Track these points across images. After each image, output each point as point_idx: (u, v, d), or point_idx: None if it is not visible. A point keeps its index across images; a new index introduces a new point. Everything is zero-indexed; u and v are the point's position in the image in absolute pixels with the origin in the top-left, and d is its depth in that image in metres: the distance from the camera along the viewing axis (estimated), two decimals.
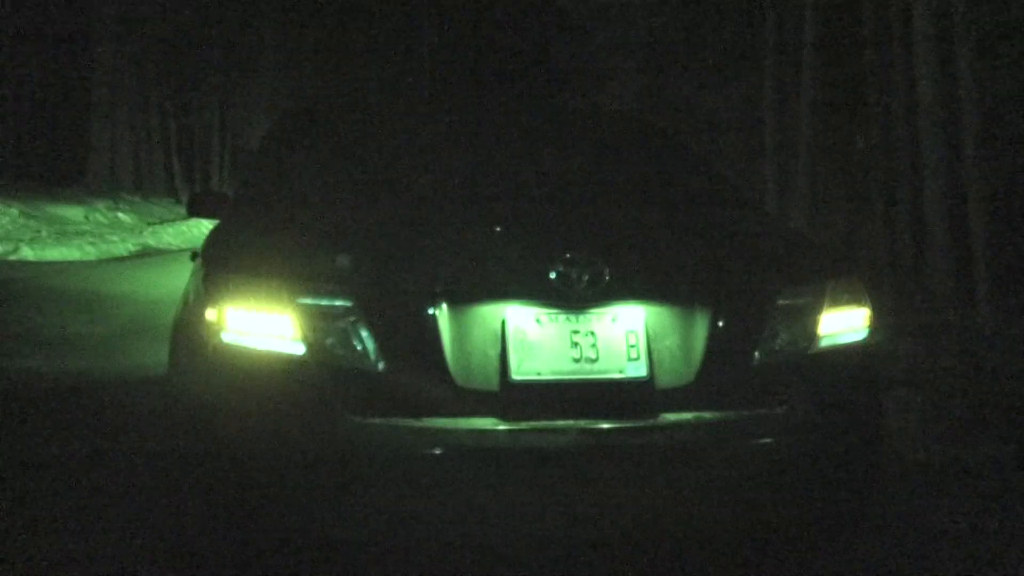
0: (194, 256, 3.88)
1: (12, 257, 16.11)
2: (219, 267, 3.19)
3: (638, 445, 3.01)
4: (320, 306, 2.99)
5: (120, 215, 22.91)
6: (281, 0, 31.30)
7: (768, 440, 3.08)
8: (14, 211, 19.60)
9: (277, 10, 31.24)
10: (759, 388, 3.10)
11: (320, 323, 2.97)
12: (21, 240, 17.26)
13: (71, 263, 16.00)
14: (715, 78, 15.06)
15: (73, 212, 21.62)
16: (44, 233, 18.47)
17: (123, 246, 18.51)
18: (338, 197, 3.78)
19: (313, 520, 2.99)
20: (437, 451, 2.94)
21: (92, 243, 17.95)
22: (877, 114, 11.47)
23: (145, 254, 18.24)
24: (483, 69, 37.28)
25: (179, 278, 4.55)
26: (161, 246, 19.43)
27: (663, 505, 3.04)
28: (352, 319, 2.96)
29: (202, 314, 3.12)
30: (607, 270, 3.02)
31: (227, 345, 3.02)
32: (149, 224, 22.36)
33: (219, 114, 32.57)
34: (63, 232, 18.85)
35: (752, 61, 13.81)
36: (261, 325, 3.01)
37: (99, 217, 21.99)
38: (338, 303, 2.98)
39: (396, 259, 3.13)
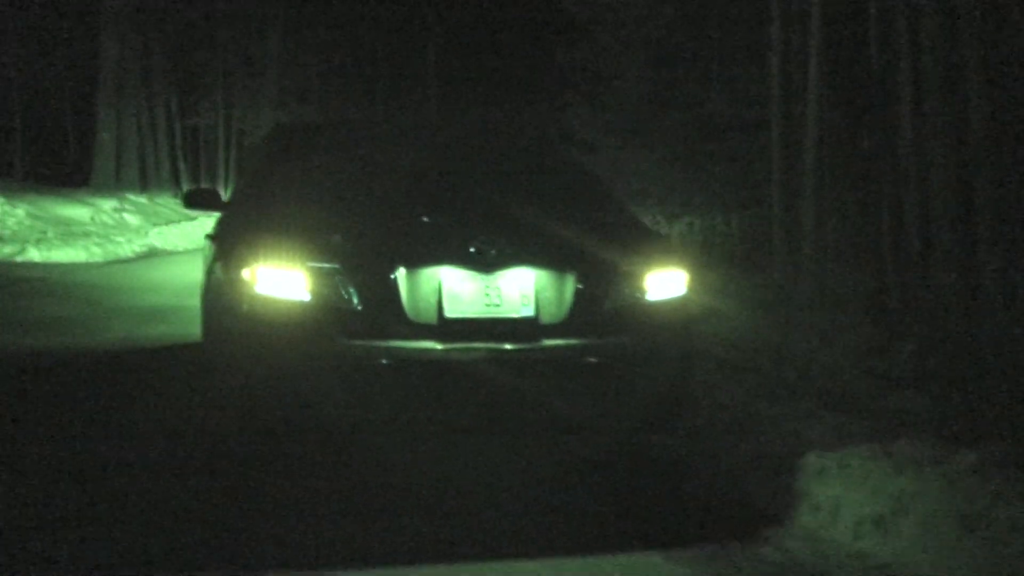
0: (210, 236, 5.68)
1: (19, 258, 16.12)
2: (252, 243, 4.54)
3: (527, 360, 4.49)
4: (321, 268, 4.40)
5: (126, 216, 22.94)
6: (287, 1, 31.32)
7: (613, 358, 4.57)
8: (20, 212, 19.61)
9: (283, 11, 31.25)
10: (608, 324, 4.57)
11: (320, 279, 4.39)
12: (27, 241, 17.28)
13: (77, 264, 16.02)
14: (722, 78, 15.05)
15: (79, 213, 21.65)
16: (50, 234, 18.49)
17: (129, 247, 18.53)
18: (323, 195, 5.14)
19: (315, 405, 4.38)
20: (397, 361, 4.39)
21: (98, 244, 17.96)
22: (884, 113, 11.46)
23: (151, 255, 18.27)
24: (488, 69, 37.27)
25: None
26: (167, 247, 19.45)
27: (542, 399, 4.49)
28: (340, 277, 4.40)
29: (239, 274, 4.48)
30: (508, 247, 4.51)
31: (259, 294, 4.41)
32: (155, 225, 22.38)
33: (224, 115, 32.60)
34: (69, 233, 18.88)
35: (759, 61, 13.79)
36: (282, 281, 4.41)
37: (105, 218, 22.02)
38: (332, 266, 4.40)
39: (369, 239, 4.60)
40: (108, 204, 23.41)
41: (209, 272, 5.16)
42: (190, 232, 20.97)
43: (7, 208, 19.49)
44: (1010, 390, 6.19)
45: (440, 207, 4.94)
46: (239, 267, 4.49)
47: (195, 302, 5.19)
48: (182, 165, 32.37)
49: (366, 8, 33.50)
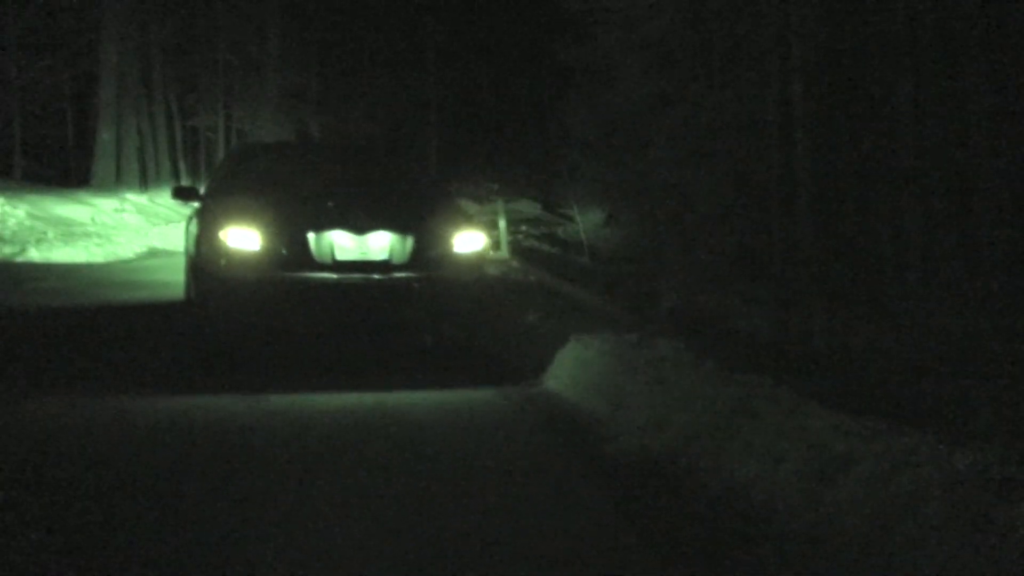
0: (191, 217, 8.93)
1: (19, 259, 16.12)
2: (225, 216, 7.47)
3: (384, 285, 7.44)
4: (266, 230, 7.31)
5: (126, 216, 22.93)
6: (287, 1, 31.30)
7: (434, 283, 7.53)
8: (21, 212, 19.60)
9: (283, 11, 31.24)
10: (431, 264, 7.54)
11: (265, 237, 7.29)
12: (27, 241, 17.28)
13: (78, 265, 16.01)
14: (722, 79, 15.05)
15: (79, 213, 21.64)
16: (50, 234, 18.48)
17: (129, 248, 18.53)
18: (268, 188, 8.21)
19: (263, 313, 7.35)
20: (310, 285, 7.30)
21: (98, 244, 17.96)
22: (884, 117, 11.46)
23: (152, 255, 18.26)
24: (489, 70, 37.26)
25: None
26: (167, 247, 19.44)
27: (393, 309, 7.55)
28: (277, 236, 7.31)
29: (218, 235, 7.35)
30: (374, 219, 7.48)
31: (230, 246, 7.29)
32: (155, 225, 22.37)
33: (224, 115, 32.60)
34: (69, 234, 18.87)
35: (759, 62, 13.80)
36: (244, 238, 7.30)
37: (105, 219, 22.01)
38: (272, 230, 7.32)
39: (294, 214, 7.54)
40: (108, 204, 23.40)
41: (196, 239, 7.87)
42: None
43: (7, 208, 19.47)
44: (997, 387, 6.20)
45: (337, 196, 8.03)
46: (218, 231, 7.39)
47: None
48: (182, 165, 32.36)
49: (366, 8, 33.49)
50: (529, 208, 29.46)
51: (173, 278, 12.24)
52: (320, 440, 5.59)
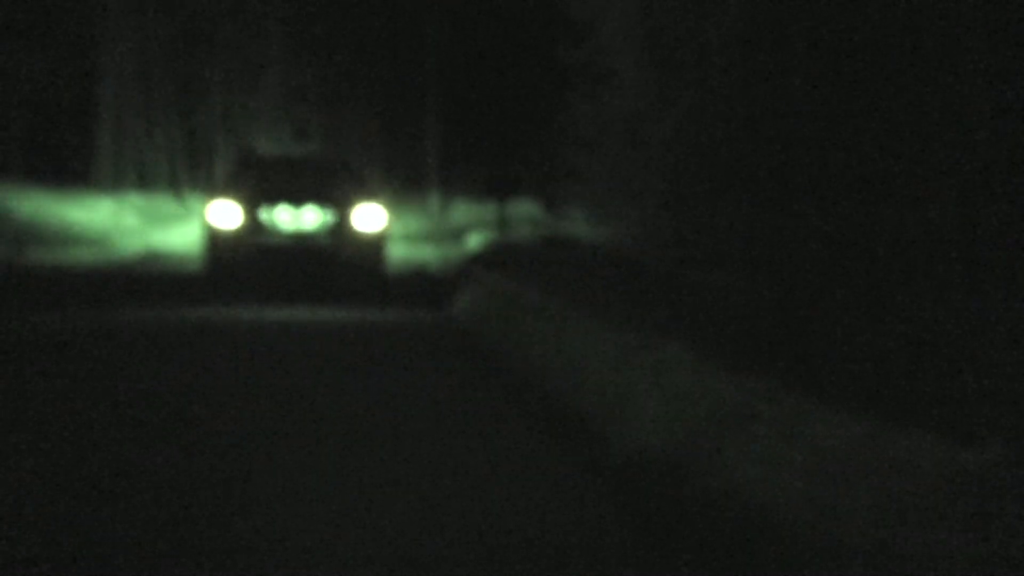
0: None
1: (16, 260, 16.10)
2: (210, 199, 12.38)
3: (315, 247, 11.98)
4: (233, 207, 12.00)
5: (125, 217, 22.91)
6: (287, 1, 31.28)
7: (346, 251, 12.02)
8: (19, 213, 19.59)
9: (283, 10, 31.21)
10: (346, 234, 12.05)
11: (232, 212, 11.97)
12: (26, 242, 17.26)
13: (77, 265, 16.00)
14: (721, 77, 15.02)
15: (78, 214, 21.62)
16: (49, 235, 18.47)
17: (127, 248, 18.52)
18: (247, 180, 12.61)
19: (236, 268, 11.97)
20: (267, 247, 11.89)
21: (97, 245, 17.95)
22: (881, 113, 11.43)
23: (150, 256, 18.24)
24: (489, 71, 37.24)
25: None
26: (166, 248, 19.43)
27: (321, 263, 12.00)
28: (240, 211, 11.94)
29: (204, 212, 12.32)
30: (310, 197, 12.11)
31: (210, 219, 12.05)
32: (154, 226, 22.36)
33: (223, 116, 32.55)
34: (68, 234, 18.86)
35: (758, 59, 13.78)
36: (220, 213, 12.02)
37: (104, 219, 21.99)
38: (236, 207, 11.96)
39: (252, 196, 12.11)
40: (107, 205, 23.37)
41: (202, 222, 12.05)
42: (188, 233, 20.90)
43: (5, 209, 19.46)
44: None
45: (292, 184, 12.17)
46: (205, 210, 11.86)
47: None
48: (181, 166, 32.32)
49: (367, 9, 33.47)
50: (529, 208, 29.45)
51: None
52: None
